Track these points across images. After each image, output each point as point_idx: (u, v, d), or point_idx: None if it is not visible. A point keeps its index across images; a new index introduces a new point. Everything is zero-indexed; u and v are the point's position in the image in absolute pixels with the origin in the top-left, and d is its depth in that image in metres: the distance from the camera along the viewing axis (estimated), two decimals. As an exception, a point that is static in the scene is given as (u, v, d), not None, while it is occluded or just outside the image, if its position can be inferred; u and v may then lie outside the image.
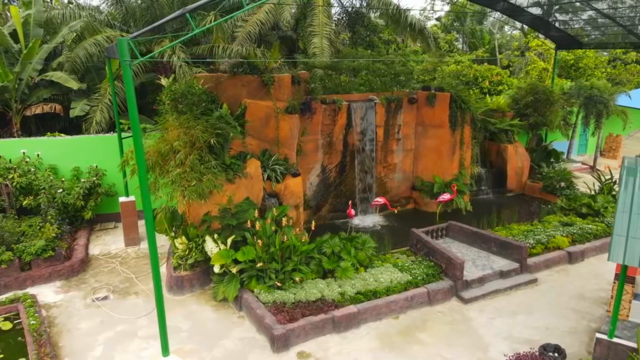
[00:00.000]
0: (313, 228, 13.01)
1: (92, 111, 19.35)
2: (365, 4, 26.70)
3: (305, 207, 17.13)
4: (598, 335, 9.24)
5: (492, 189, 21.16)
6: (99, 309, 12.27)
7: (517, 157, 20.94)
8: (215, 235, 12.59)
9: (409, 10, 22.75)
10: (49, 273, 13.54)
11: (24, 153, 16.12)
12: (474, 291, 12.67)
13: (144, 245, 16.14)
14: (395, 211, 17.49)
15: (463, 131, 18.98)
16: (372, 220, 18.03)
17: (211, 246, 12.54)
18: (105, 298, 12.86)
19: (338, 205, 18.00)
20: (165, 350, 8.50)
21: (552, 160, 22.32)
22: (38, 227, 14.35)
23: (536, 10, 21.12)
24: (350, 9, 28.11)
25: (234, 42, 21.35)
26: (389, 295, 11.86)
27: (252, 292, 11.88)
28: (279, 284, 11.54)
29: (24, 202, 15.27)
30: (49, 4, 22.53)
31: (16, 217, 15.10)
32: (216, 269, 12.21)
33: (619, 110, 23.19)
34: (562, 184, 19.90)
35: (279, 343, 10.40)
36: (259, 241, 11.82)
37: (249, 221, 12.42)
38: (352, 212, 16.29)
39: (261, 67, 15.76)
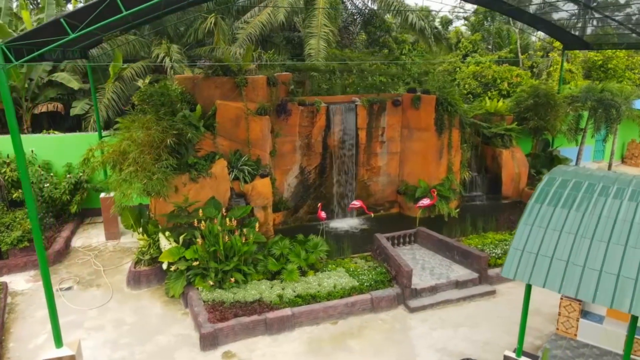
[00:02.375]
0: (258, 229, 13.12)
1: (92, 110, 20.34)
2: (372, 5, 26.41)
3: (282, 208, 17.23)
4: (506, 353, 8.77)
5: (487, 195, 20.37)
6: (59, 299, 12.86)
7: (513, 163, 20.03)
8: (167, 233, 12.95)
9: (409, 10, 22.29)
10: (24, 262, 14.41)
11: (19, 149, 17.17)
12: (423, 300, 12.31)
13: (124, 240, 16.84)
14: (372, 215, 17.22)
15: (451, 135, 18.38)
16: (349, 223, 17.86)
17: (164, 243, 12.91)
18: (69, 289, 13.54)
19: (317, 207, 17.91)
20: (58, 342, 8.88)
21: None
22: (21, 219, 15.28)
23: (572, 7, 19.92)
24: (364, 9, 27.92)
25: (234, 44, 21.82)
26: (329, 300, 11.75)
27: (198, 289, 12.14)
28: (211, 283, 11.72)
29: (14, 195, 16.32)
30: (63, 8, 23.79)
31: (7, 209, 16.14)
32: (164, 266, 12.57)
33: (635, 115, 21.62)
34: (560, 192, 18.82)
35: (207, 341, 10.58)
36: (199, 240, 12.05)
37: (195, 220, 12.67)
38: (323, 214, 16.17)
39: (235, 69, 15.98)
